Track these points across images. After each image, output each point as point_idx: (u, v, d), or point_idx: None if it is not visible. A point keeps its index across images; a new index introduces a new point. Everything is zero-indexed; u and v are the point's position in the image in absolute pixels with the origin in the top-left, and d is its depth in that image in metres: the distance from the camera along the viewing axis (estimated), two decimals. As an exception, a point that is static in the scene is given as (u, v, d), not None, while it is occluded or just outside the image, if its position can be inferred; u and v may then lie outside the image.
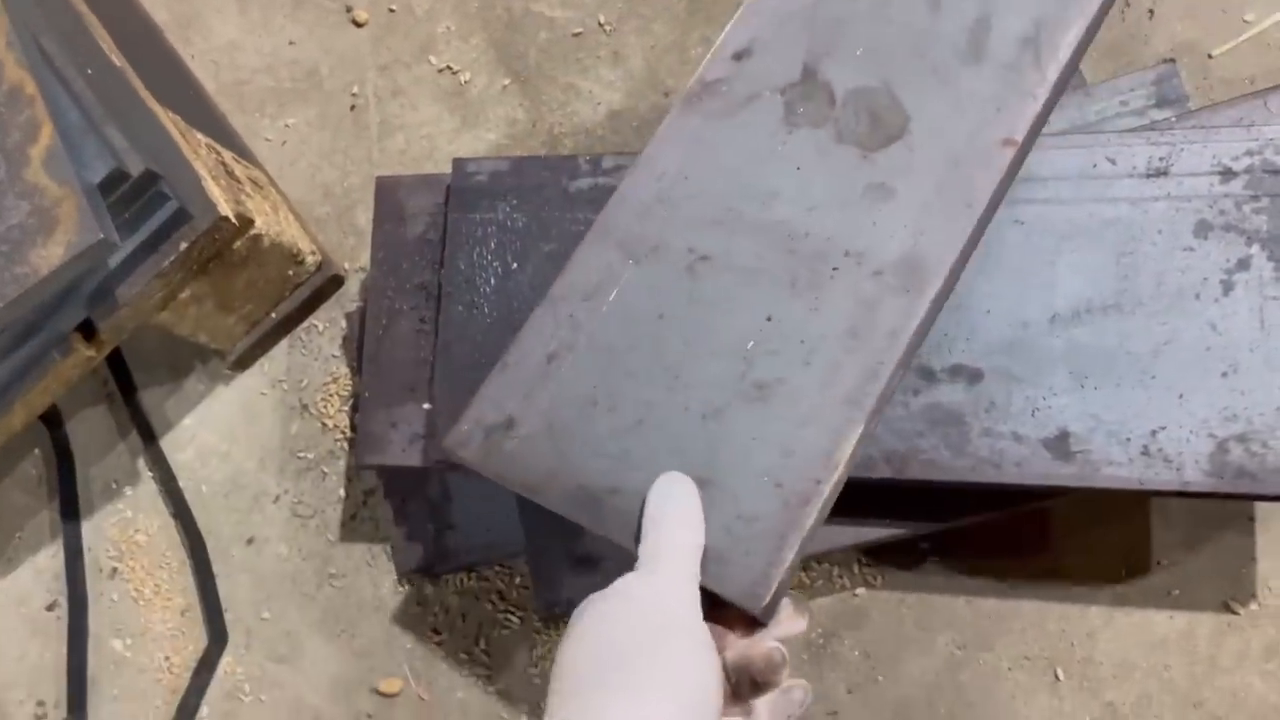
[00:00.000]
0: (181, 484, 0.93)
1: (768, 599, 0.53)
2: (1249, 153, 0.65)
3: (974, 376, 0.65)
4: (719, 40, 0.69)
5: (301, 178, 0.97)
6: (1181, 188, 0.65)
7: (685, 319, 0.62)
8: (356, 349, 0.89)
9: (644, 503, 0.56)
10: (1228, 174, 0.65)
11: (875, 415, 0.58)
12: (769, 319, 0.61)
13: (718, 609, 0.53)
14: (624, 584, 0.51)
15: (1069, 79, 0.64)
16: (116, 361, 0.96)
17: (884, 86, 0.66)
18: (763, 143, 0.66)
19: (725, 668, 0.50)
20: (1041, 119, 0.64)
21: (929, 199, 0.62)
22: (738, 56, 0.69)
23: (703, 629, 0.49)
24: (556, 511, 0.60)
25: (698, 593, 0.51)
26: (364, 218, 0.95)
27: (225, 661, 0.89)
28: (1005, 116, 0.63)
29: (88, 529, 0.94)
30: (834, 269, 0.61)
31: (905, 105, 0.65)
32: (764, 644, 0.51)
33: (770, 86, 0.68)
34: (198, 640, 0.90)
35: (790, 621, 0.54)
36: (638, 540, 0.54)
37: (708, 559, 0.54)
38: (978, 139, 0.63)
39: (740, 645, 0.52)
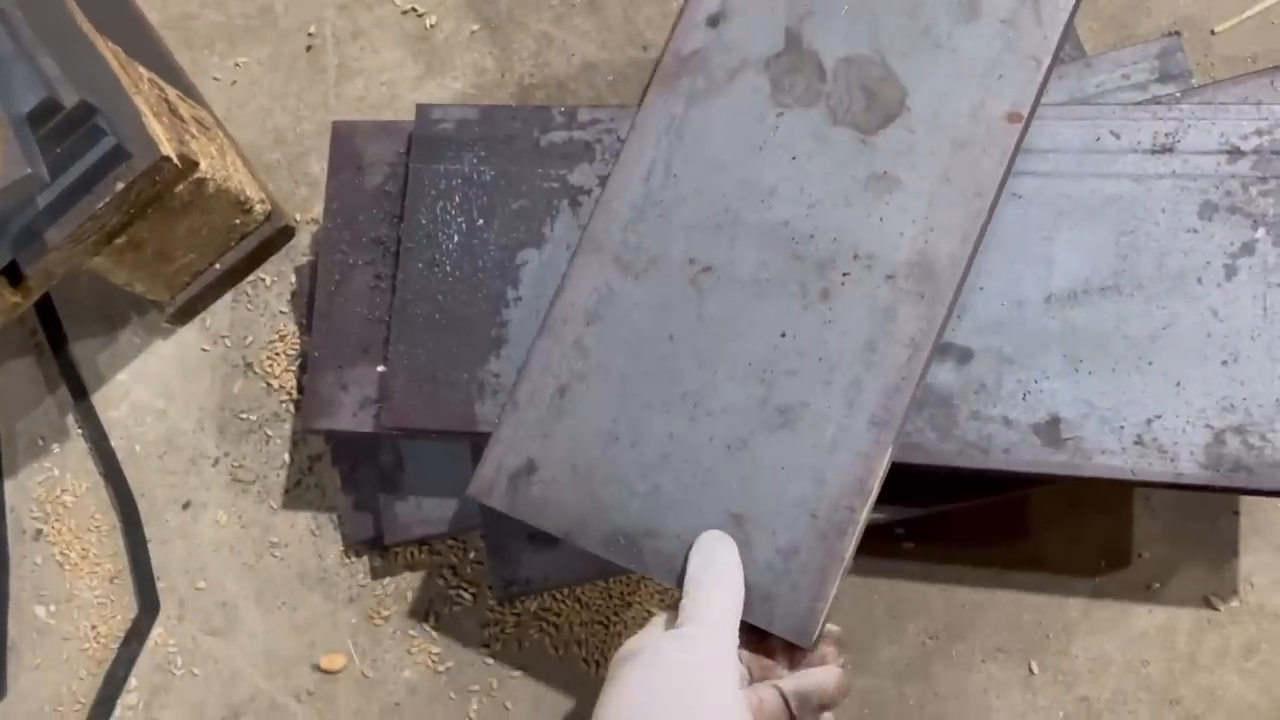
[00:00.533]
0: (114, 443, 0.87)
1: (816, 634, 0.55)
2: (1258, 132, 0.62)
3: (964, 356, 0.62)
4: (688, 2, 0.65)
5: (251, 121, 0.91)
6: (1187, 166, 0.62)
7: (696, 339, 0.61)
8: (306, 305, 0.84)
9: (686, 559, 0.56)
10: (1235, 153, 0.62)
11: (901, 432, 0.58)
12: (783, 335, 0.60)
13: (759, 637, 0.55)
14: (663, 645, 0.52)
15: (1065, 40, 0.61)
16: (46, 310, 0.90)
17: (876, 54, 0.62)
18: (753, 128, 0.63)
19: (784, 695, 0.52)
20: (1043, 88, 0.61)
21: (936, 189, 0.60)
22: (712, 21, 0.66)
23: (736, 698, 0.50)
24: (597, 554, 0.60)
25: (735, 654, 0.52)
26: (317, 166, 0.90)
27: (156, 632, 0.84)
28: (1008, 86, 0.60)
29: (11, 487, 0.88)
30: (844, 275, 0.60)
31: (900, 76, 0.62)
32: (834, 670, 0.54)
33: (752, 58, 0.64)
34: (127, 609, 0.85)
35: (834, 659, 0.56)
36: (679, 584, 0.56)
37: (753, 597, 0.55)
38: (981, 114, 0.60)
39: (811, 675, 0.54)
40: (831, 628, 0.57)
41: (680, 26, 0.66)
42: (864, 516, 0.56)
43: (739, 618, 0.54)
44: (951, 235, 0.59)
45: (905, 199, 0.60)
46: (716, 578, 0.55)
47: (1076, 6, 0.61)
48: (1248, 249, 0.61)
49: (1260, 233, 0.61)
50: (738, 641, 0.53)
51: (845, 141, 0.62)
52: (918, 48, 0.62)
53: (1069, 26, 0.61)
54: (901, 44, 0.62)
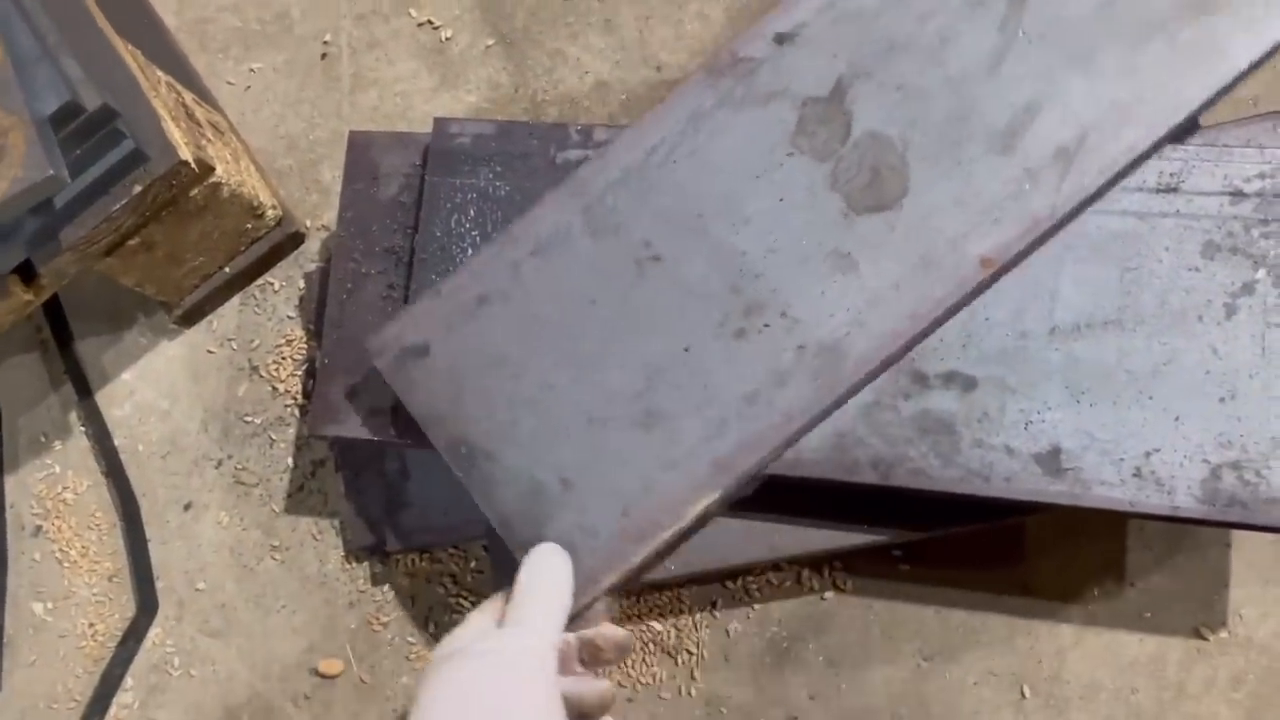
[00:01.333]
0: (116, 442, 0.88)
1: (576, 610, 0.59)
2: (1261, 175, 0.63)
3: (968, 384, 0.63)
4: (771, 10, 0.66)
5: (264, 126, 0.92)
6: (1191, 205, 0.63)
7: (613, 314, 0.64)
8: (316, 311, 0.85)
9: (520, 566, 0.59)
10: (1238, 195, 0.63)
11: (739, 483, 0.61)
12: (686, 349, 0.63)
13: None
14: (481, 646, 0.54)
15: (1072, 219, 0.63)
16: (52, 307, 0.90)
17: (899, 142, 0.64)
18: (761, 156, 0.65)
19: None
20: (1030, 249, 0.62)
21: (883, 293, 0.62)
22: (779, 39, 0.66)
23: (550, 697, 0.53)
24: (437, 450, 0.64)
25: (553, 657, 0.55)
26: (329, 174, 0.90)
27: (154, 632, 0.84)
28: (996, 233, 0.62)
29: (11, 483, 0.88)
30: (765, 325, 0.62)
31: (910, 174, 0.63)
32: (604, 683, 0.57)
33: (794, 91, 0.65)
34: (125, 608, 0.85)
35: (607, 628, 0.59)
36: (498, 566, 0.63)
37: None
38: (959, 244, 0.62)
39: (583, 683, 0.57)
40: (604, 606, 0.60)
41: (751, 29, 0.67)
42: (668, 536, 0.60)
43: (563, 623, 0.57)
44: (872, 339, 0.61)
45: (852, 286, 0.62)
46: (545, 588, 0.58)
47: (1102, 192, 0.62)
48: (1248, 289, 0.62)
49: (1260, 274, 0.62)
50: (558, 644, 0.55)
51: (831, 211, 0.63)
52: (940, 156, 0.63)
53: (1084, 206, 0.62)
54: (929, 145, 0.63)
